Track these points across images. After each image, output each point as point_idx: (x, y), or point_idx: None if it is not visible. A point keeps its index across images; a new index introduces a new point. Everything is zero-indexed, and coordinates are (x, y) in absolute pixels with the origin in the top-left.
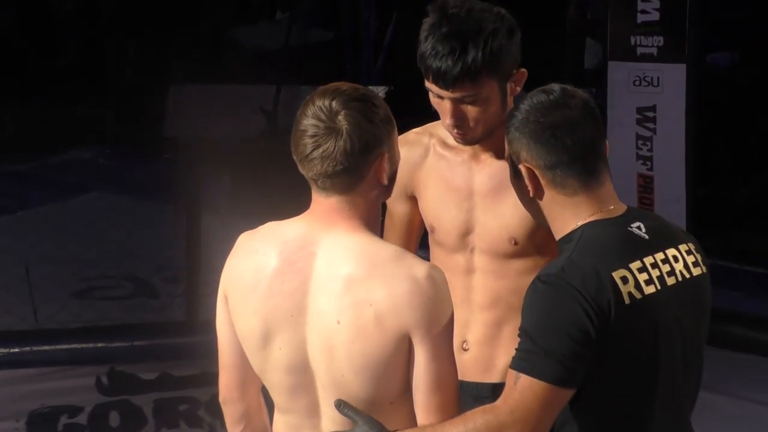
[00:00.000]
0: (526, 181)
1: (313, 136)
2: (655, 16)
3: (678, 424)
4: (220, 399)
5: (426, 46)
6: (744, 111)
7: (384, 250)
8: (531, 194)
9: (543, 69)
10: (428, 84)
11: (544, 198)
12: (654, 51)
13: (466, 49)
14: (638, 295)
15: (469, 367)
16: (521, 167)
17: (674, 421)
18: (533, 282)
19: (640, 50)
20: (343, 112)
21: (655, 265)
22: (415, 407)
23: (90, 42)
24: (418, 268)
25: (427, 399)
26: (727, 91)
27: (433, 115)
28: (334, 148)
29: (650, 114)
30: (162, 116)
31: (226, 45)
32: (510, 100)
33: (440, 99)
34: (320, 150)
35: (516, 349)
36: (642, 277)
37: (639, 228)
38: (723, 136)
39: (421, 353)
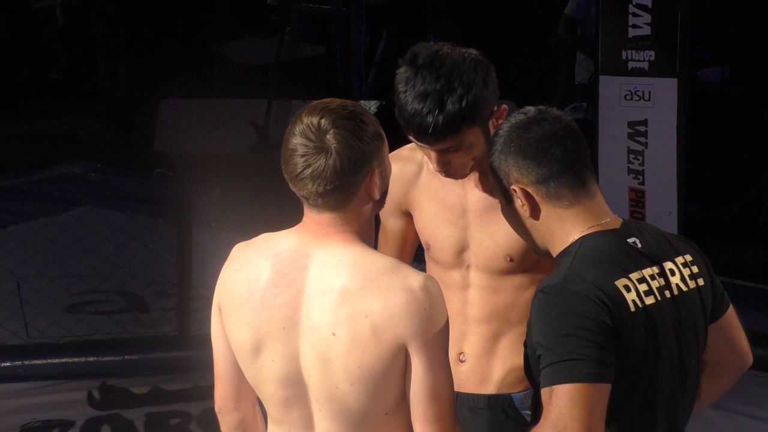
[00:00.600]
0: (521, 201)
1: (303, 156)
2: (647, 30)
3: None
4: (216, 409)
5: (403, 102)
6: (735, 125)
7: (378, 262)
8: (528, 214)
9: (535, 84)
10: (410, 137)
11: (541, 215)
12: (645, 65)
13: (443, 107)
14: (640, 304)
15: (466, 379)
16: (514, 189)
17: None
18: (536, 295)
19: (631, 65)
20: (331, 131)
21: (653, 277)
22: (412, 418)
23: (81, 57)
24: (414, 278)
25: (423, 409)
26: (718, 106)
27: None
28: (324, 167)
29: (642, 128)
30: (153, 131)
31: (217, 60)
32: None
33: (421, 147)
34: (310, 170)
35: (540, 369)
36: (642, 288)
37: (635, 243)
38: (714, 151)
39: (418, 364)
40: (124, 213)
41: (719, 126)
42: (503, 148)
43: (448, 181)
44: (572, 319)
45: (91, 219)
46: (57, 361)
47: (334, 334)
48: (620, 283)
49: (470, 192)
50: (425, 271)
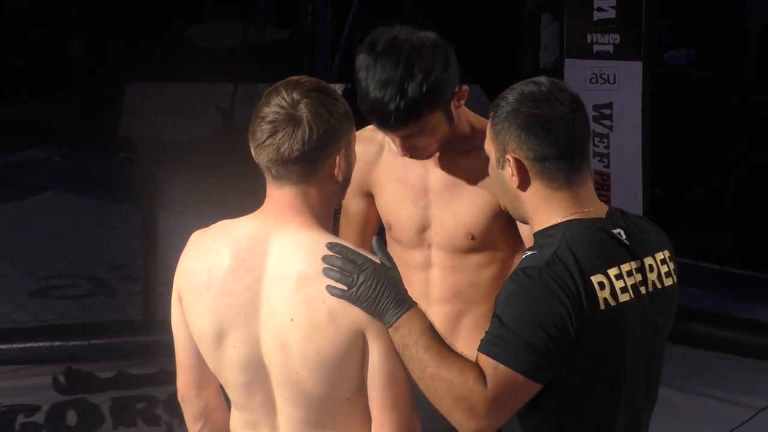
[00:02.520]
0: (513, 171)
1: (271, 122)
2: (612, 14)
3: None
4: (179, 397)
5: (364, 90)
6: (700, 108)
7: None
8: (516, 185)
9: (500, 67)
10: (373, 124)
11: (529, 189)
12: (610, 49)
13: (404, 93)
14: (612, 303)
15: None
16: (508, 158)
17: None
18: (515, 273)
19: (596, 48)
20: (304, 101)
21: (630, 273)
22: (369, 404)
23: (46, 41)
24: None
25: (381, 394)
26: (684, 89)
27: None
28: (292, 134)
29: (607, 111)
30: (118, 115)
31: (182, 44)
32: (456, 113)
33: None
34: (277, 135)
35: (487, 333)
36: (618, 285)
37: (620, 234)
38: (679, 134)
39: (375, 349)
40: (90, 198)
41: (684, 109)
42: (509, 115)
43: (410, 161)
44: (541, 314)
45: (56, 204)
46: (22, 345)
47: (292, 320)
48: (596, 279)
49: (432, 171)
50: None
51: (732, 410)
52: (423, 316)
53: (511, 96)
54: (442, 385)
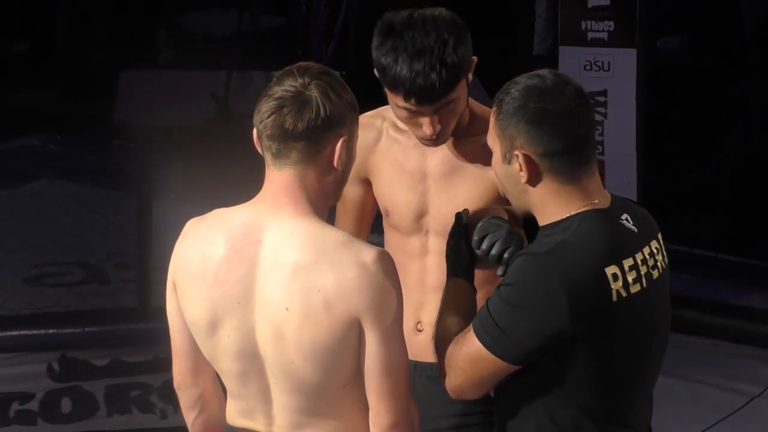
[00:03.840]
0: (522, 167)
1: (278, 98)
2: (606, 1)
3: (642, 420)
4: (175, 385)
5: (398, 70)
6: (694, 96)
7: (331, 236)
8: (525, 180)
9: (495, 54)
10: (404, 104)
11: (538, 185)
12: (605, 36)
13: (444, 61)
14: (624, 294)
15: (424, 348)
16: (516, 153)
17: (639, 417)
18: (523, 254)
19: (590, 35)
20: (314, 82)
21: (644, 261)
22: (366, 392)
23: (40, 28)
24: (367, 253)
25: (378, 383)
26: (678, 76)
27: (384, 100)
28: (298, 110)
29: (601, 99)
30: (113, 102)
31: (176, 31)
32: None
33: (414, 114)
34: (283, 110)
35: (485, 309)
36: (631, 276)
37: (627, 220)
38: (673, 121)
39: (371, 338)
40: (84, 185)
41: (679, 96)
42: (516, 111)
43: (408, 147)
44: (536, 315)
45: (50, 191)
46: (16, 333)
47: (287, 309)
48: (609, 270)
49: (430, 157)
50: (381, 242)
51: (726, 397)
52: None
53: (515, 90)
54: (440, 341)
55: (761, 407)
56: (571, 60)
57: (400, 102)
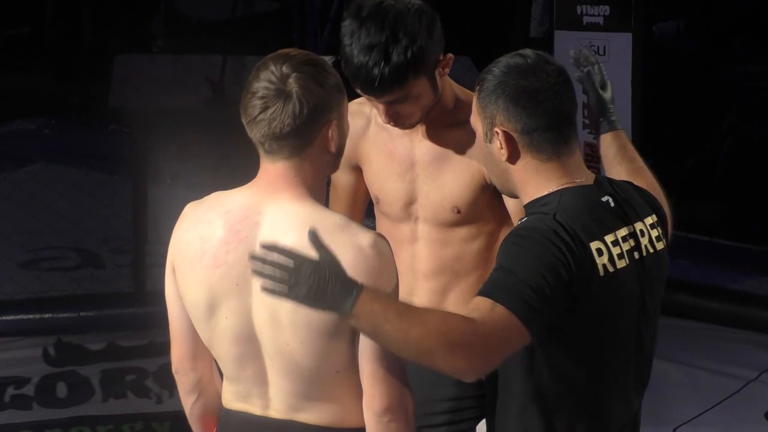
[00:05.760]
0: (502, 144)
1: (262, 98)
2: None
3: (627, 402)
4: (173, 370)
5: (349, 55)
6: (690, 80)
7: (328, 219)
8: (505, 158)
9: (490, 39)
10: (357, 90)
11: (518, 162)
12: (600, 20)
13: (389, 59)
14: (611, 269)
15: None
16: (496, 131)
17: (623, 399)
18: (513, 233)
19: (586, 19)
20: (293, 75)
21: (625, 239)
22: (360, 377)
23: (34, 12)
24: (363, 236)
25: (372, 368)
26: (673, 61)
27: None
28: (283, 109)
29: None
30: (108, 86)
31: (172, 15)
32: (441, 81)
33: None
34: (269, 111)
35: (486, 281)
36: (615, 251)
37: (608, 202)
38: (669, 105)
39: None
40: (79, 169)
41: (674, 80)
42: (495, 88)
43: (396, 134)
44: (540, 263)
45: (45, 175)
46: (12, 317)
47: None
48: (595, 245)
49: (418, 144)
50: (375, 226)
51: (721, 381)
52: (376, 293)
53: (496, 69)
54: (432, 338)
55: (756, 391)
56: (567, 44)
57: (355, 87)
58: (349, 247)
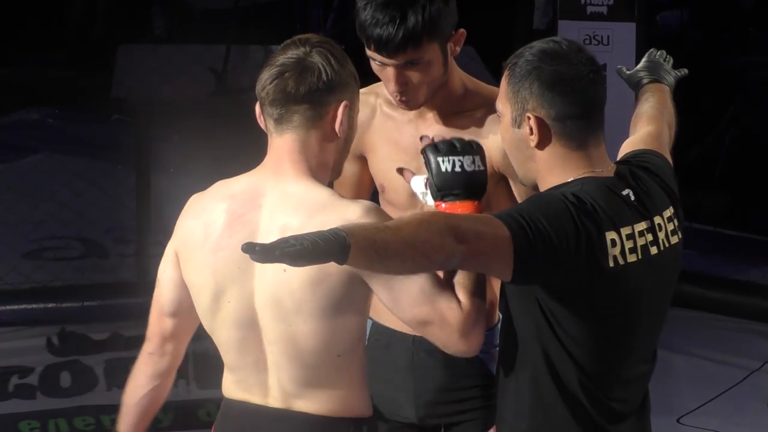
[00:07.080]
0: (533, 130)
1: (281, 65)
2: None
3: (629, 394)
4: (148, 350)
5: (365, 15)
6: (693, 70)
7: (319, 197)
8: (535, 144)
9: (494, 29)
10: (370, 53)
11: (547, 149)
12: (604, 10)
13: (405, 16)
14: (621, 261)
15: None
16: (529, 116)
17: (626, 391)
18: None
19: (590, 9)
20: (316, 50)
21: (642, 234)
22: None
23: (38, 2)
24: (353, 209)
25: (409, 319)
26: (677, 50)
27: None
28: (300, 75)
29: None
30: (111, 76)
31: (175, 5)
32: (451, 60)
33: (382, 66)
34: (285, 74)
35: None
36: (628, 245)
37: (629, 195)
38: (673, 95)
39: (380, 284)
40: (83, 159)
41: (678, 70)
42: (529, 73)
43: (402, 123)
44: (549, 213)
45: (49, 165)
46: (16, 307)
47: (285, 271)
48: (609, 235)
49: (424, 132)
50: None
51: (725, 371)
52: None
53: (529, 54)
54: (424, 228)
55: (760, 381)
56: (571, 34)
57: (368, 50)
58: (339, 221)
